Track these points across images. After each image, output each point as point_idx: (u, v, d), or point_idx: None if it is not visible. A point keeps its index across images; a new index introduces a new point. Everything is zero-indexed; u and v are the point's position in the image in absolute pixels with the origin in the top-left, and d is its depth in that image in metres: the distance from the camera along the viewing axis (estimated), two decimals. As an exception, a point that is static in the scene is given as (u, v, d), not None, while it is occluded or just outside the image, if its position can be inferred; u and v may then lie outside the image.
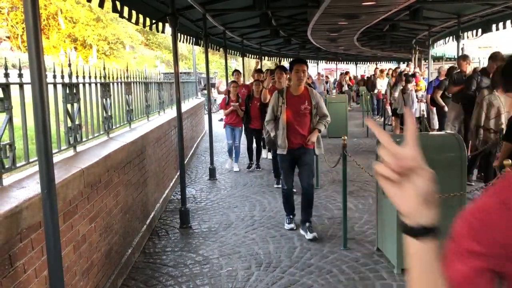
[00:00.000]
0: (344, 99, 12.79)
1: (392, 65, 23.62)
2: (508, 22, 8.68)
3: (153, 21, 6.37)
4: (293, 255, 4.53)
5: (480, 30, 10.24)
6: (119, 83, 5.09)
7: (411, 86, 9.96)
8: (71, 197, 3.02)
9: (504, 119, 5.72)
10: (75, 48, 31.93)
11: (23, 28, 27.99)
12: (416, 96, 10.19)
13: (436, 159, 3.95)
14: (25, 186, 2.63)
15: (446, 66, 10.31)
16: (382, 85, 15.50)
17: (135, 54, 37.90)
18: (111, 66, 6.37)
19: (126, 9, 5.19)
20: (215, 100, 21.15)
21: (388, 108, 12.72)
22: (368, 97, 16.43)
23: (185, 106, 10.31)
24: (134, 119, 5.77)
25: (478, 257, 0.82)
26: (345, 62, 28.23)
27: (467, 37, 11.11)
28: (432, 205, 0.80)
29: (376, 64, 26.66)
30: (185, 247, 4.87)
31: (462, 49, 14.26)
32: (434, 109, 9.44)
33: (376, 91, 15.98)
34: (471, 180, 6.67)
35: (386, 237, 4.28)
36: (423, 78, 12.04)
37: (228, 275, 4.13)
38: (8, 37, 30.14)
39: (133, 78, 5.80)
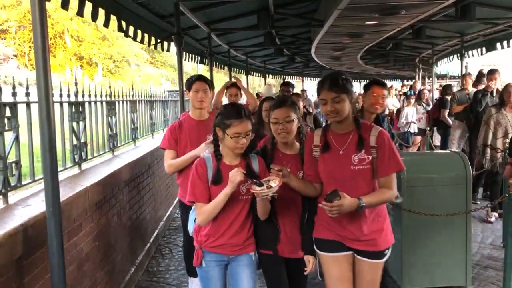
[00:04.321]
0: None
1: (397, 83, 23.66)
2: (512, 41, 8.74)
3: (158, 40, 6.45)
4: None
5: (484, 49, 10.29)
6: (124, 101, 5.13)
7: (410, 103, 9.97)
8: (76, 215, 3.02)
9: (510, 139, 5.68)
10: (81, 66, 32.25)
11: (30, 47, 28.34)
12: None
13: (441, 177, 3.94)
14: (30, 204, 2.64)
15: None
16: (394, 104, 13.03)
17: (140, 72, 38.21)
18: (116, 84, 6.42)
19: (131, 28, 5.25)
20: None
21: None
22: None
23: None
24: (139, 136, 5.79)
25: None
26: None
27: (472, 55, 11.16)
28: None
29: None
30: (189, 266, 4.83)
31: (466, 67, 14.31)
32: (435, 128, 9.39)
33: (386, 111, 13.60)
34: (476, 198, 6.63)
35: (391, 256, 4.24)
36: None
37: (232, 294, 4.09)
38: (16, 56, 30.49)
39: (138, 96, 5.85)
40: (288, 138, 2.71)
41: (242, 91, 5.47)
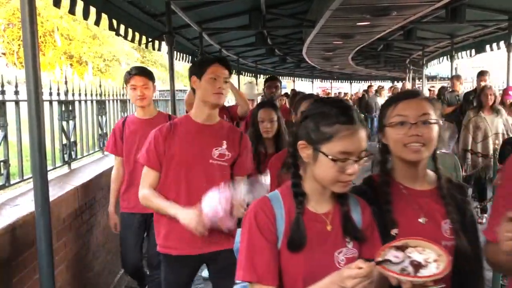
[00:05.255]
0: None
1: (388, 84, 23.77)
2: (501, 43, 8.81)
3: (150, 39, 6.40)
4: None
5: (473, 51, 10.37)
6: (115, 101, 5.10)
7: None
8: (65, 215, 2.99)
9: (491, 142, 5.58)
10: (71, 65, 32.03)
11: (19, 45, 28.05)
12: None
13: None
14: (19, 204, 2.60)
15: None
16: None
17: (130, 71, 38.04)
18: (106, 83, 6.38)
19: (122, 27, 5.21)
20: None
21: None
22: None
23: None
24: (129, 136, 5.74)
25: None
26: (339, 81, 28.43)
27: (461, 57, 11.25)
28: None
29: (371, 82, 26.91)
30: (179, 266, 4.81)
31: (456, 69, 14.42)
32: None
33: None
34: (469, 200, 6.61)
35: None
36: None
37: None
38: (4, 54, 30.21)
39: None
40: (423, 155, 1.54)
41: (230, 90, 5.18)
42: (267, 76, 7.60)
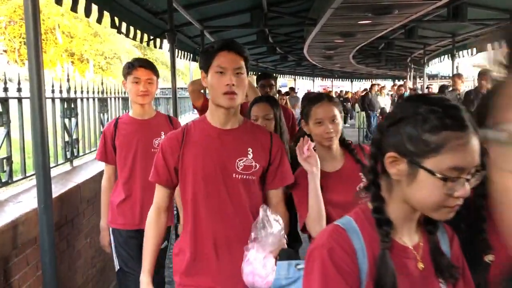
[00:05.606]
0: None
1: (388, 83, 23.77)
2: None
3: (151, 37, 6.41)
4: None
5: (475, 49, 10.37)
6: (117, 98, 5.11)
7: None
8: (67, 212, 3.01)
9: None
10: (72, 63, 32.04)
11: (20, 42, 28.06)
12: None
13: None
14: (22, 200, 2.62)
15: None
16: (386, 104, 13.70)
17: (132, 69, 37.99)
18: (108, 81, 6.38)
19: (124, 25, 5.22)
20: None
21: None
22: (363, 117, 15.62)
23: (182, 121, 10.30)
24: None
25: None
26: (340, 79, 28.44)
27: (463, 56, 11.25)
28: None
29: (372, 81, 26.90)
30: (180, 264, 4.81)
31: (457, 67, 14.41)
32: None
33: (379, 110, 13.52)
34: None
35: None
36: None
37: None
38: (5, 51, 30.21)
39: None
40: None
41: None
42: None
